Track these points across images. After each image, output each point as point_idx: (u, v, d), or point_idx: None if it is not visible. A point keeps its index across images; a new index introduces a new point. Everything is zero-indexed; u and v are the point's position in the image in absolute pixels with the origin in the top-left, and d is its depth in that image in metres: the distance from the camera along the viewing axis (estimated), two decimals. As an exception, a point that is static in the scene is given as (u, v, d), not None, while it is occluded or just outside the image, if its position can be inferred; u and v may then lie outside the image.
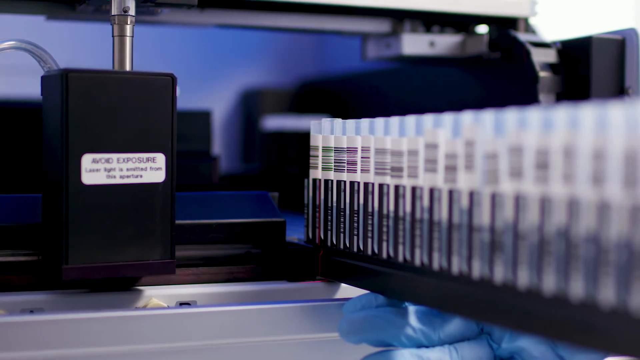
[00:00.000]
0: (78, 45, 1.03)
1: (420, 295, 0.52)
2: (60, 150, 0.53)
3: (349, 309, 0.54)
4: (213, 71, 1.23)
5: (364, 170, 0.57)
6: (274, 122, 1.14)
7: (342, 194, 0.59)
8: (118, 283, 0.58)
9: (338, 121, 0.61)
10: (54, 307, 0.56)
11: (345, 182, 0.59)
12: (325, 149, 0.61)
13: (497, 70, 0.78)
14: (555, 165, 0.42)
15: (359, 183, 0.58)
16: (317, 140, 0.62)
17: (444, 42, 0.80)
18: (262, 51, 1.28)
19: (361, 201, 0.57)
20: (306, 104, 1.24)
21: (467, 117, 0.48)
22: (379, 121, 0.56)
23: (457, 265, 0.48)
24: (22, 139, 0.73)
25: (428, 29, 0.81)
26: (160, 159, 0.56)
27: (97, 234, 0.54)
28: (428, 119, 0.51)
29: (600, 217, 0.40)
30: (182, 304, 0.59)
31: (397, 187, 0.53)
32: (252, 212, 0.64)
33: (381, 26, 0.80)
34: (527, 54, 0.72)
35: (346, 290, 0.62)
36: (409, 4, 0.77)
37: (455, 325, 0.53)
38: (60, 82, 0.53)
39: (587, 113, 0.40)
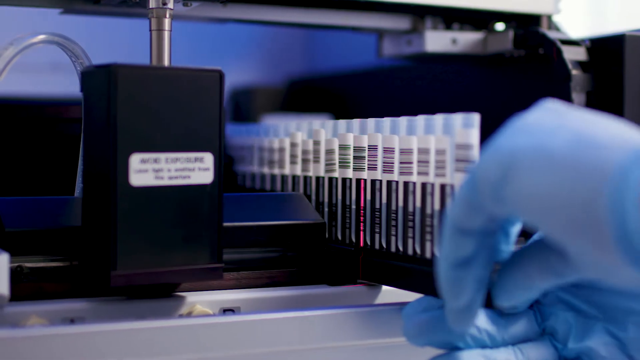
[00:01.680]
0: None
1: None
2: (107, 149, 0.50)
3: (410, 312, 0.52)
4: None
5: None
6: (270, 121, 1.11)
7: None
8: (157, 289, 0.55)
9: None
10: (94, 316, 0.53)
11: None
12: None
13: (522, 68, 0.77)
14: (365, 157, 0.59)
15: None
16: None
17: (465, 40, 0.79)
18: (251, 49, 1.25)
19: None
20: (296, 103, 1.22)
21: (316, 123, 0.66)
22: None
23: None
24: (38, 138, 0.70)
25: (448, 26, 0.79)
26: (208, 159, 0.53)
27: (145, 238, 0.51)
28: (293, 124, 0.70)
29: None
30: (225, 311, 0.56)
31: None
32: (290, 214, 0.62)
33: (401, 23, 0.79)
34: (558, 51, 0.71)
35: (388, 294, 0.61)
36: (432, 0, 0.75)
37: (518, 326, 0.52)
38: (107, 77, 0.50)
39: (386, 123, 0.58)
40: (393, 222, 0.57)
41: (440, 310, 0.51)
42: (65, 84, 1.04)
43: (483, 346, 0.51)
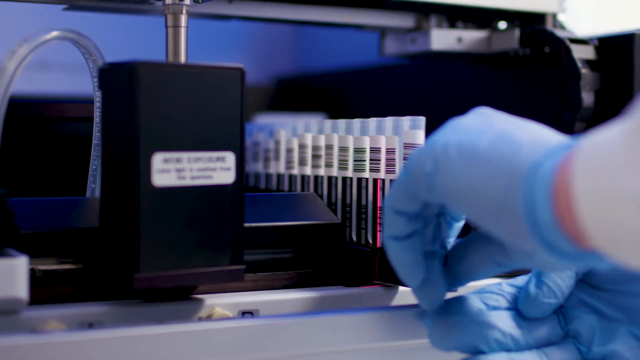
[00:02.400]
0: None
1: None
2: (128, 149, 0.49)
3: (432, 315, 0.52)
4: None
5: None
6: (261, 120, 1.10)
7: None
8: (175, 292, 0.54)
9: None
10: (112, 320, 0.52)
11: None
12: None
13: (527, 67, 0.77)
14: (322, 156, 0.66)
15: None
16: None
17: (470, 38, 0.78)
18: (238, 48, 1.24)
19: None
20: (283, 101, 1.21)
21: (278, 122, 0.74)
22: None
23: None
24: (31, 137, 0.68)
25: (452, 25, 0.79)
26: (230, 158, 0.52)
27: (167, 240, 0.50)
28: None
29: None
30: (244, 313, 0.55)
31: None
32: (306, 214, 0.61)
33: (405, 21, 0.78)
34: (568, 50, 0.70)
35: (405, 295, 0.60)
36: (438, -2, 0.74)
37: (542, 329, 0.52)
38: (128, 75, 0.49)
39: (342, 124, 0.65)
40: (347, 215, 0.62)
41: (466, 313, 0.51)
42: (51, 83, 1.02)
43: (507, 350, 0.51)
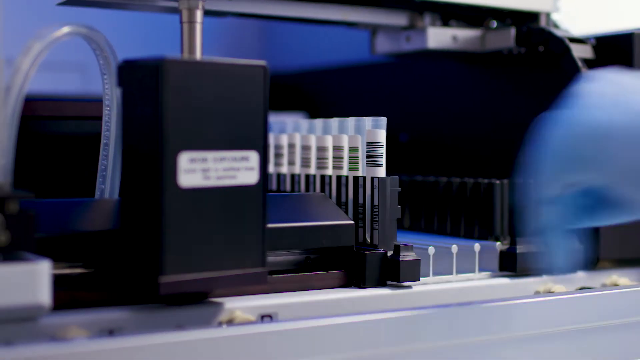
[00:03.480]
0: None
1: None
2: (154, 149, 0.47)
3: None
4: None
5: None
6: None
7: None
8: (194, 294, 0.52)
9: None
10: (132, 325, 0.50)
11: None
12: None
13: (523, 65, 0.77)
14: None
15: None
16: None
17: (465, 37, 0.78)
18: (206, 46, 1.22)
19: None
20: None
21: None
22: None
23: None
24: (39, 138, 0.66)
25: (444, 23, 0.78)
26: (253, 157, 0.51)
27: (193, 242, 0.48)
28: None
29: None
30: (263, 317, 0.54)
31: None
32: (318, 215, 0.59)
33: (398, 19, 0.77)
34: (567, 49, 0.70)
35: (418, 296, 0.59)
36: (432, -4, 0.74)
37: None
38: (154, 72, 0.47)
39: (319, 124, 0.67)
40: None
41: None
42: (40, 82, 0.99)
43: None
